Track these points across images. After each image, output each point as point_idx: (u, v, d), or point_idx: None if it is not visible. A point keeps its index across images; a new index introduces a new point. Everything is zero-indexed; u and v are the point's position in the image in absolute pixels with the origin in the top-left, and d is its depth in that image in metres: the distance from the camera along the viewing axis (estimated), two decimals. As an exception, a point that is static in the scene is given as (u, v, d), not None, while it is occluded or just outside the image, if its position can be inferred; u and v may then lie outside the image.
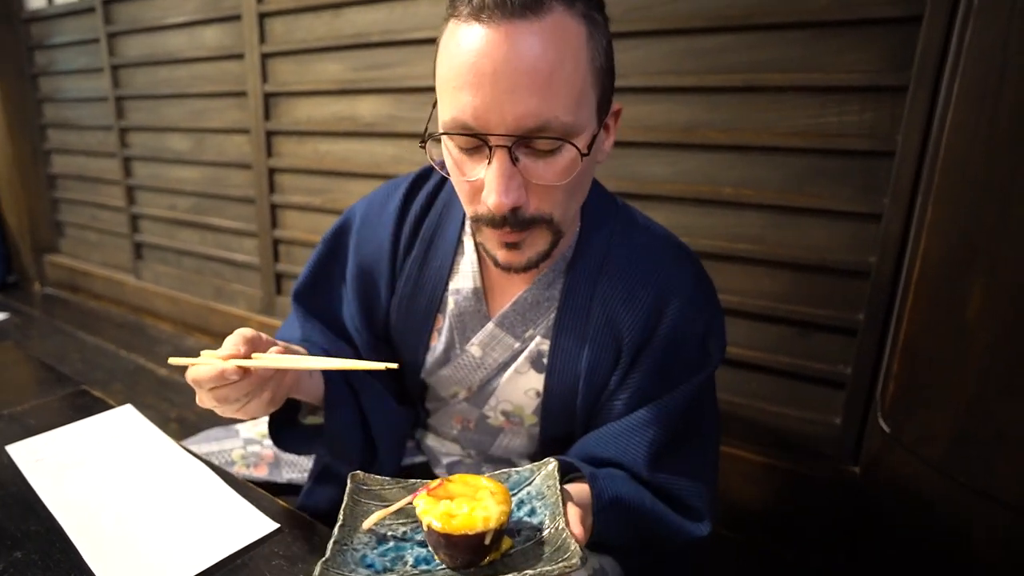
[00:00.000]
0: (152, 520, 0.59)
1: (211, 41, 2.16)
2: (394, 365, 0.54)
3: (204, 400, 0.57)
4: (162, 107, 2.40)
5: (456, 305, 0.75)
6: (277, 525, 0.58)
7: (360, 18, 1.76)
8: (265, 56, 2.00)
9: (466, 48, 0.55)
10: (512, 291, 0.73)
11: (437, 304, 0.76)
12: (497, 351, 0.74)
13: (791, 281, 1.27)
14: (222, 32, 2.11)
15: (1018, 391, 0.85)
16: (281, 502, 0.63)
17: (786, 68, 1.18)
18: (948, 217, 0.92)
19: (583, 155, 0.58)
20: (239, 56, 2.07)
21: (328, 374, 0.70)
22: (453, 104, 0.56)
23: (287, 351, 0.61)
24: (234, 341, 0.56)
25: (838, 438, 1.28)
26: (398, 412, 0.81)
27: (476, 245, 0.74)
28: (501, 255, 0.64)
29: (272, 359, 0.57)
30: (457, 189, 0.64)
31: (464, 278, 0.75)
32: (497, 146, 0.56)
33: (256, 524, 0.58)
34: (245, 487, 0.64)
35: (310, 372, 0.68)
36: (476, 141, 0.57)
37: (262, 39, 1.99)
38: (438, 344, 0.77)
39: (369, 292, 0.79)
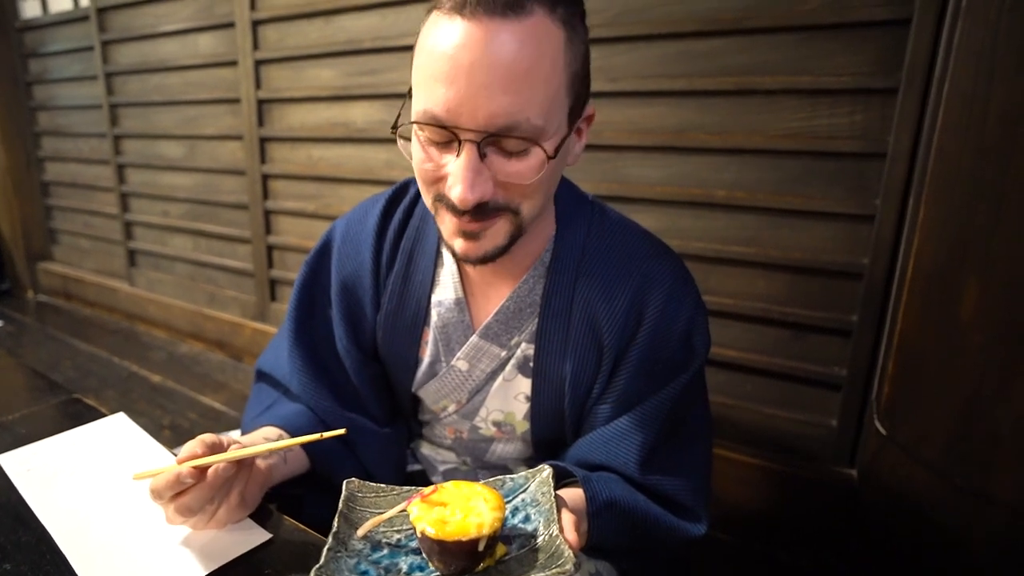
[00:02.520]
0: (144, 530, 0.58)
1: (204, 48, 2.16)
2: (341, 431, 0.55)
3: (171, 517, 0.56)
4: (155, 114, 2.40)
5: (439, 317, 0.75)
6: (270, 535, 0.58)
7: (352, 24, 1.76)
8: (258, 63, 2.00)
9: (445, 41, 0.55)
10: (495, 299, 0.73)
11: (423, 317, 0.76)
12: (484, 362, 0.74)
13: (785, 283, 1.27)
14: (215, 39, 2.11)
15: (1013, 391, 0.86)
16: (274, 511, 0.62)
17: (777, 71, 1.19)
18: (940, 217, 0.93)
19: (549, 158, 0.59)
20: (232, 63, 2.07)
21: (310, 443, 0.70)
22: (427, 96, 0.56)
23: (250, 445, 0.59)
24: (191, 446, 0.56)
25: (834, 440, 1.28)
26: (393, 442, 0.81)
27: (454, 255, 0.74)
28: (459, 245, 0.64)
29: (227, 456, 0.56)
30: (418, 173, 0.63)
31: (445, 289, 0.74)
32: (466, 140, 0.56)
33: (248, 534, 0.58)
34: (238, 495, 0.64)
35: (284, 458, 0.68)
36: (446, 135, 0.57)
37: (255, 46, 1.99)
38: (426, 357, 0.77)
39: (354, 310, 0.78)
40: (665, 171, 1.35)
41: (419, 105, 0.58)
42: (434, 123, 0.57)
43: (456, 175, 0.57)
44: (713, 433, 0.77)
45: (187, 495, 0.54)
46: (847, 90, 1.14)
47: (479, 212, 0.59)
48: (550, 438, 0.76)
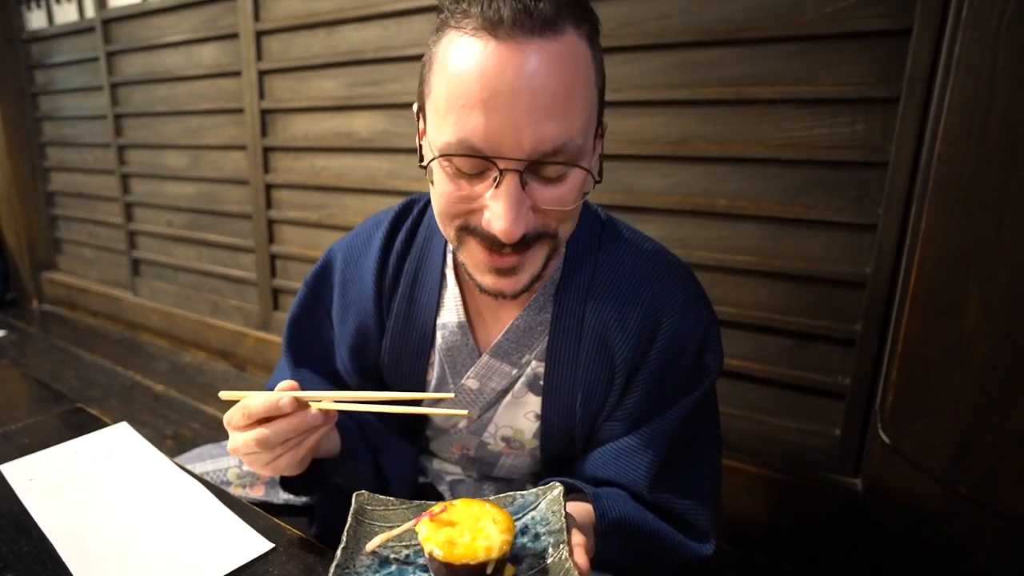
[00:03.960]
0: (146, 540, 0.58)
1: (208, 59, 2.17)
2: (450, 396, 0.56)
3: (240, 444, 0.56)
4: (160, 124, 2.42)
5: (443, 340, 0.73)
6: (272, 545, 0.58)
7: (355, 35, 1.78)
8: (262, 73, 2.01)
9: (479, 64, 0.51)
10: (503, 319, 0.72)
11: (429, 340, 0.74)
12: (494, 380, 0.73)
13: (788, 292, 1.27)
14: (219, 50, 2.13)
15: (1016, 400, 0.85)
16: (277, 521, 0.62)
17: (777, 81, 1.19)
18: (942, 226, 0.93)
19: (596, 181, 0.58)
20: (236, 73, 2.08)
21: (345, 427, 0.70)
22: (460, 124, 0.53)
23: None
24: (289, 382, 0.57)
25: (837, 450, 1.27)
26: (410, 453, 0.80)
27: (457, 276, 0.73)
28: (490, 281, 0.61)
29: (330, 395, 0.56)
30: (443, 206, 0.59)
31: (449, 312, 0.73)
32: (508, 170, 0.53)
33: (251, 544, 0.58)
34: (240, 506, 0.64)
35: (328, 435, 0.68)
36: (482, 164, 0.54)
37: (259, 56, 2.00)
38: (433, 379, 0.76)
39: (358, 335, 0.77)
40: (667, 181, 1.35)
41: (447, 135, 0.54)
42: (470, 154, 0.53)
43: (498, 208, 0.54)
44: (722, 449, 0.76)
45: (272, 425, 0.54)
46: (848, 100, 1.14)
47: (520, 244, 0.57)
48: (559, 454, 0.75)
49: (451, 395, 0.57)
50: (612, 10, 1.32)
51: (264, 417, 0.55)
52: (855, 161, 1.15)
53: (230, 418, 0.56)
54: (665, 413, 0.68)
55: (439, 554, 0.46)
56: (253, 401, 0.55)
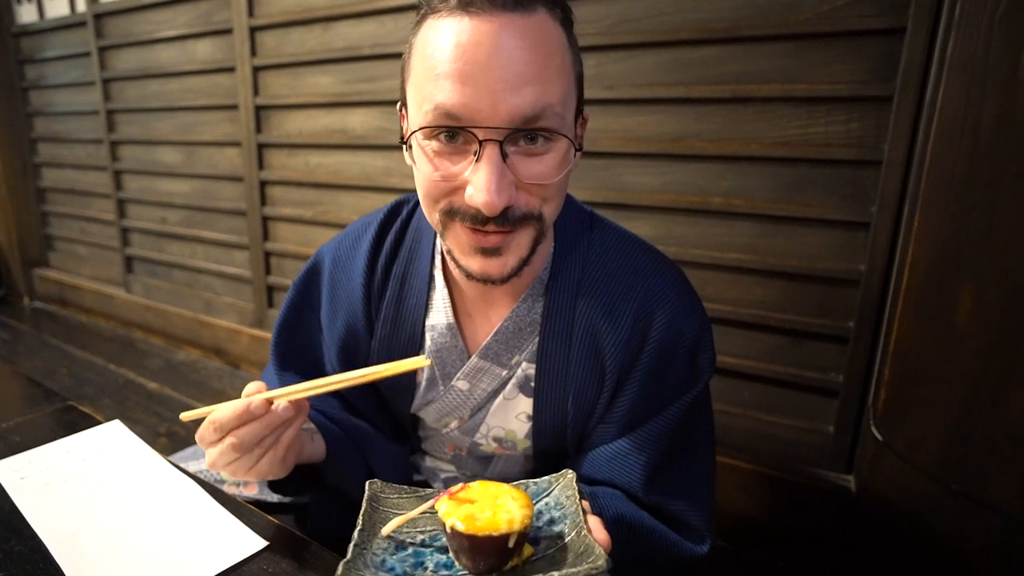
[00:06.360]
0: (139, 539, 0.58)
1: (202, 54, 2.16)
2: (426, 361, 0.55)
3: (217, 455, 0.55)
4: (153, 120, 2.40)
5: (433, 341, 0.73)
6: (266, 543, 0.57)
7: (351, 31, 1.77)
8: (256, 69, 2.00)
9: (455, 38, 0.52)
10: (493, 320, 0.71)
11: (418, 341, 0.74)
12: (485, 381, 0.72)
13: (782, 290, 1.28)
14: (213, 45, 2.12)
15: (1007, 396, 0.86)
16: (271, 519, 0.62)
17: (773, 79, 1.19)
18: (935, 224, 0.93)
19: (577, 149, 0.58)
20: (230, 69, 2.07)
21: (330, 432, 0.69)
22: (437, 93, 0.53)
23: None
24: (256, 384, 0.57)
25: (831, 446, 1.28)
26: (400, 453, 0.80)
27: (446, 277, 0.72)
28: (477, 264, 0.60)
29: (296, 387, 0.56)
30: (426, 187, 0.59)
31: (438, 313, 0.73)
32: (488, 140, 0.53)
33: (245, 541, 0.58)
34: (234, 504, 0.64)
35: (312, 436, 0.68)
36: (461, 139, 0.55)
37: (253, 52, 1.99)
38: (422, 380, 0.75)
39: (347, 337, 0.77)
40: (662, 178, 1.35)
41: (426, 106, 0.55)
42: (449, 124, 0.54)
43: (479, 179, 0.54)
44: (715, 448, 0.76)
45: (245, 428, 0.54)
46: (843, 98, 1.14)
47: (503, 220, 0.57)
48: (552, 452, 0.75)
49: (425, 360, 0.56)
50: (608, 7, 1.32)
51: (237, 426, 0.55)
52: (849, 159, 1.16)
53: (201, 435, 0.56)
54: (659, 415, 0.68)
55: (461, 527, 0.45)
56: (221, 413, 0.54)
